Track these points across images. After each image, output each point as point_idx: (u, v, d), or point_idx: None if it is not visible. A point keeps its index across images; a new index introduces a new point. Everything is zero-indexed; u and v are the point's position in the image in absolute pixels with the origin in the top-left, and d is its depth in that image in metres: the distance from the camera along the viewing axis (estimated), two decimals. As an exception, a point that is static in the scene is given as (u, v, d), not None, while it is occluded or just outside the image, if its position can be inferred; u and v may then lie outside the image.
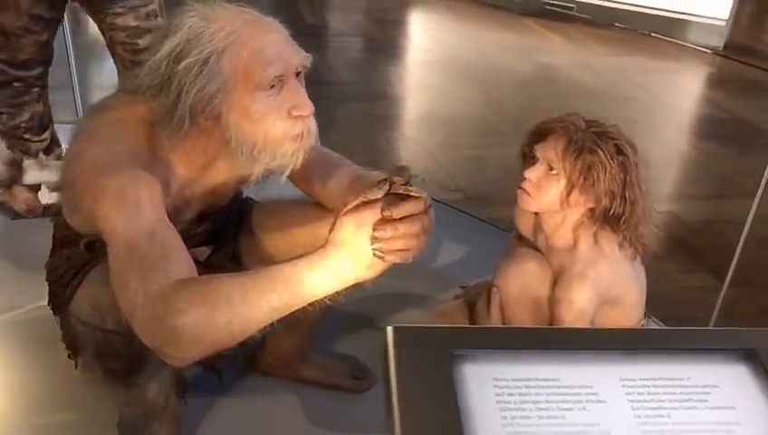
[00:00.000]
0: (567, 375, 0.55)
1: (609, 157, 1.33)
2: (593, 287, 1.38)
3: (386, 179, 1.03)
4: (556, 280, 1.44)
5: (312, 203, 1.42)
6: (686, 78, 5.18)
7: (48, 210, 2.04)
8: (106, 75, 3.96)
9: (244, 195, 1.50)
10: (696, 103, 4.69)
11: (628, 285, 1.44)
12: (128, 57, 1.98)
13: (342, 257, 0.99)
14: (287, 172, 1.18)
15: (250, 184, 1.36)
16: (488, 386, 0.54)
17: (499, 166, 3.23)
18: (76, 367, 1.28)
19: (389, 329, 0.58)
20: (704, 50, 5.34)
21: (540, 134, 1.40)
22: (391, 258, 1.01)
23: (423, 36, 5.65)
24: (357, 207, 1.01)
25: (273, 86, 1.09)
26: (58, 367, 1.45)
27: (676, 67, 5.24)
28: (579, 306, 1.38)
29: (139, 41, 1.96)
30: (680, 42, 5.49)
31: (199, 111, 1.08)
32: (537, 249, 1.51)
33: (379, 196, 1.01)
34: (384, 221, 0.99)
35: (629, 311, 1.47)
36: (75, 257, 1.26)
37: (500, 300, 1.48)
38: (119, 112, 1.15)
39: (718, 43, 5.37)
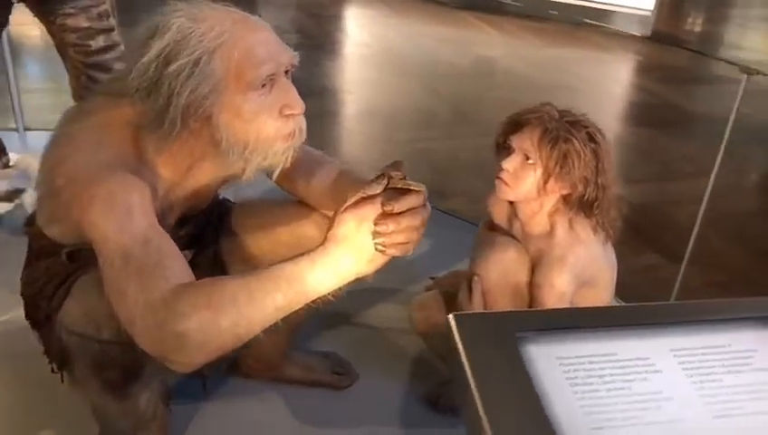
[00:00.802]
0: (623, 350, 0.59)
1: (582, 145, 1.38)
2: (572, 271, 1.43)
3: (384, 174, 1.04)
4: (534, 266, 1.48)
5: (294, 202, 1.41)
6: (617, 66, 5.39)
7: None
8: (46, 79, 3.82)
9: (221, 196, 1.48)
10: (629, 90, 4.89)
11: (602, 266, 1.49)
12: (80, 59, 1.92)
13: (344, 253, 1.00)
14: (277, 171, 1.18)
15: (231, 185, 1.35)
16: (554, 364, 0.56)
17: (446, 158, 3.28)
18: (62, 381, 1.24)
19: (451, 318, 0.60)
20: (633, 38, 5.57)
21: (514, 125, 1.43)
22: (393, 252, 1.03)
23: (360, 31, 5.66)
24: (357, 203, 1.02)
25: (264, 85, 1.08)
26: (37, 381, 1.41)
27: (608, 56, 5.45)
28: (560, 289, 1.43)
29: (92, 42, 1.90)
30: (610, 31, 5.70)
31: (191, 112, 1.06)
32: (512, 237, 1.55)
33: (378, 191, 1.02)
34: (385, 215, 1.01)
35: (603, 291, 1.53)
36: (56, 268, 1.21)
37: (481, 288, 1.51)
38: (102, 117, 1.12)
39: (645, 31, 5.61)
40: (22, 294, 1.29)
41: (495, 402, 0.51)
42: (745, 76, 1.71)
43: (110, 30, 1.93)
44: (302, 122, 1.14)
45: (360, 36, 5.43)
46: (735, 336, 0.60)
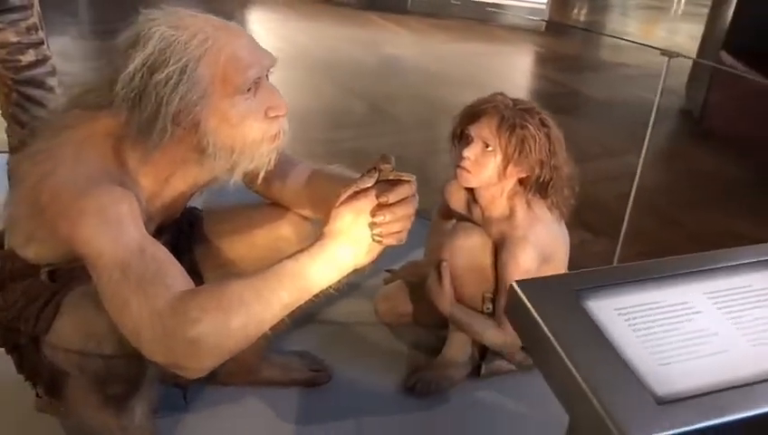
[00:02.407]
0: (665, 297, 0.67)
1: (537, 129, 1.47)
2: (534, 248, 1.52)
3: (374, 168, 1.09)
4: (497, 247, 1.56)
5: (267, 204, 1.43)
6: (519, 58, 5.63)
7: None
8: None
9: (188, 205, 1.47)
10: (533, 80, 5.12)
11: (559, 243, 1.60)
12: (9, 75, 1.83)
13: (342, 246, 1.04)
14: (262, 174, 1.19)
15: (202, 192, 1.35)
16: (613, 315, 0.64)
17: (369, 154, 3.34)
18: (51, 404, 1.20)
19: (515, 285, 0.65)
20: (531, 31, 5.84)
21: (472, 115, 1.51)
22: (390, 241, 1.07)
23: (269, 35, 5.62)
24: (351, 197, 1.05)
25: (249, 89, 1.10)
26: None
27: (510, 49, 5.69)
28: (525, 266, 1.52)
29: (21, 57, 1.83)
30: (509, 25, 5.95)
31: (180, 120, 1.06)
32: (472, 222, 1.63)
33: (371, 183, 1.06)
34: (381, 206, 1.05)
35: (559, 265, 1.64)
36: (36, 289, 1.18)
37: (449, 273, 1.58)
38: (81, 130, 1.10)
39: (540, 24, 5.91)
40: (-6, 320, 1.24)
41: (575, 352, 0.57)
42: (667, 59, 1.86)
43: (40, 43, 1.86)
44: (286, 123, 1.16)
45: (269, 40, 5.38)
46: (755, 277, 0.70)
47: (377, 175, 1.07)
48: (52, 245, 1.13)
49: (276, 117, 1.14)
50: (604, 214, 2.85)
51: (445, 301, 1.59)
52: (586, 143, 3.87)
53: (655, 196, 3.37)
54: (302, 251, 1.05)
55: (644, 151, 2.04)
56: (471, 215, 1.65)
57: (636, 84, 5.05)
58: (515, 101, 1.51)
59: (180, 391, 1.48)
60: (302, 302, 1.06)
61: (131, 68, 1.04)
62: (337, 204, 1.05)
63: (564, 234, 1.62)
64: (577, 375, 0.56)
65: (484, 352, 1.71)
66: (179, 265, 1.06)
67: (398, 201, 1.05)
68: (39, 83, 1.87)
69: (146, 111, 1.05)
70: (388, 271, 2.00)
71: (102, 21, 5.09)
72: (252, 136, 1.12)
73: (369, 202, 1.05)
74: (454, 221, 1.72)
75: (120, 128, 1.10)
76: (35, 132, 1.74)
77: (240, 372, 1.59)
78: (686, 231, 2.94)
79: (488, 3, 5.98)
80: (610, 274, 0.71)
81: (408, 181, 1.08)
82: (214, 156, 1.13)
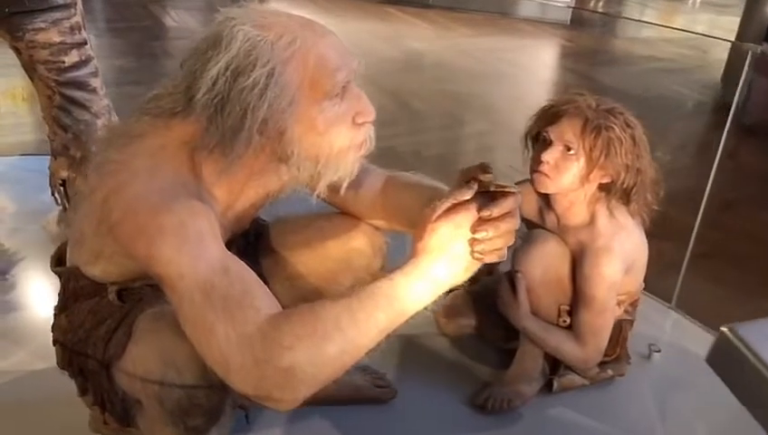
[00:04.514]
0: None
1: (622, 131, 1.38)
2: (619, 259, 1.43)
3: (473, 178, 1.00)
4: (576, 257, 1.47)
5: (338, 213, 1.34)
6: (546, 52, 5.53)
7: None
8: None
9: (253, 215, 1.39)
10: (562, 74, 5.02)
11: (641, 251, 1.51)
12: (52, 77, 1.75)
13: (438, 264, 0.96)
14: (345, 184, 1.10)
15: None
16: None
17: (409, 153, 3.25)
18: (107, 423, 1.13)
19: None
20: (555, 24, 5.72)
21: (552, 117, 1.42)
22: (491, 258, 0.98)
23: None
24: (449, 211, 0.97)
25: (337, 94, 1.01)
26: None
27: (536, 43, 5.58)
28: (610, 280, 1.43)
29: (65, 58, 1.74)
30: (532, 18, 5.84)
31: (267, 128, 0.97)
32: (546, 230, 1.53)
33: (470, 196, 0.97)
34: (482, 221, 0.96)
35: (639, 275, 1.55)
36: (103, 310, 1.09)
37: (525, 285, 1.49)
38: (155, 139, 1.01)
39: (566, 17, 5.79)
40: (56, 342, 1.16)
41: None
42: (749, 52, 1.75)
43: (84, 43, 1.77)
44: (372, 130, 1.07)
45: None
46: None
47: (476, 186, 0.98)
48: (123, 262, 1.05)
49: (364, 123, 1.05)
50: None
51: (519, 314, 1.50)
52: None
53: (697, 193, 3.28)
54: (396, 270, 0.96)
55: (718, 155, 1.93)
56: (543, 222, 1.55)
57: (667, 78, 4.94)
58: (598, 101, 1.41)
59: (242, 412, 1.39)
60: (398, 324, 0.97)
61: (214, 71, 0.95)
62: (433, 218, 0.96)
63: (644, 241, 1.53)
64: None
65: (555, 367, 1.62)
66: (264, 284, 0.97)
67: (502, 215, 0.96)
68: (82, 85, 1.78)
69: (230, 118, 0.96)
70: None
71: (117, 19, 5.01)
72: (339, 144, 1.03)
73: (469, 216, 0.96)
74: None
75: (196, 136, 1.01)
76: (80, 137, 1.65)
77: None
78: (737, 229, 2.84)
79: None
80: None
81: (513, 193, 0.99)
82: (297, 166, 1.04)
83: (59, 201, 1.91)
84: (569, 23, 5.81)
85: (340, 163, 1.05)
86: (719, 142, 1.95)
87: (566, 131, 1.39)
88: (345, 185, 1.10)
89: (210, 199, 1.05)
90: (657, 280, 2.12)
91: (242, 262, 0.98)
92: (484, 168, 1.04)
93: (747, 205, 3.12)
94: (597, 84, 4.59)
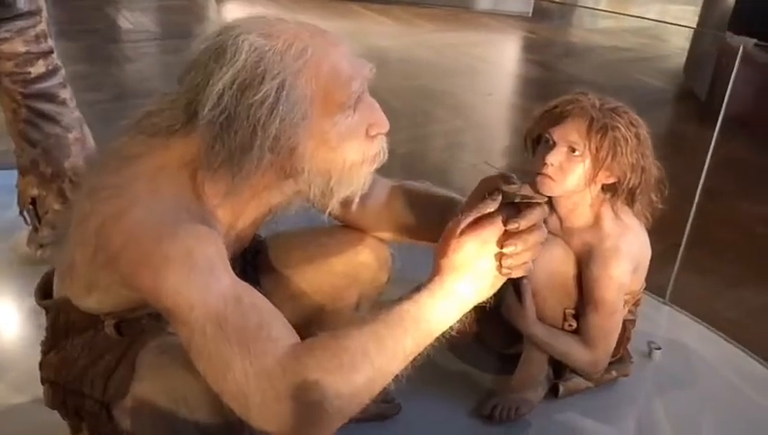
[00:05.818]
0: None
1: (627, 130, 1.35)
2: (627, 259, 1.40)
3: (497, 189, 0.95)
4: (581, 260, 1.44)
5: (340, 227, 1.28)
6: (511, 45, 5.52)
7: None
8: None
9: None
10: (529, 67, 5.01)
11: (646, 250, 1.48)
12: (18, 90, 1.64)
13: (464, 281, 0.91)
14: (357, 199, 1.04)
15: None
16: None
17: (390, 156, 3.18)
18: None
19: None
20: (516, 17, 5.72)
21: (554, 117, 1.37)
22: (519, 272, 0.94)
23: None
24: (473, 224, 0.91)
25: (350, 105, 0.94)
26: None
27: (500, 36, 5.57)
28: (619, 281, 1.40)
29: (31, 69, 1.63)
30: (494, 11, 5.83)
31: (278, 145, 0.90)
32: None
33: (495, 208, 0.92)
34: (509, 235, 0.91)
35: (642, 274, 1.52)
36: (99, 345, 1.01)
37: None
38: (152, 159, 0.93)
39: (527, 9, 5.80)
40: (46, 381, 1.07)
41: None
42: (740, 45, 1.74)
43: (50, 52, 1.66)
44: (384, 141, 1.01)
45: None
46: None
47: (500, 198, 0.93)
48: (122, 293, 0.96)
49: (377, 135, 0.99)
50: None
51: (526, 320, 1.46)
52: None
53: (673, 183, 3.30)
54: (419, 290, 0.91)
55: (711, 148, 1.92)
56: (546, 224, 1.51)
57: (629, 67, 4.98)
58: (601, 100, 1.38)
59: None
60: (425, 346, 0.93)
61: (219, 86, 0.87)
62: (457, 233, 0.91)
63: (648, 240, 1.50)
64: None
65: (559, 371, 1.59)
66: (280, 312, 0.91)
67: (529, 227, 0.92)
68: (51, 97, 1.67)
69: (238, 136, 0.88)
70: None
71: (68, 21, 4.83)
72: (352, 158, 0.97)
73: (495, 230, 0.91)
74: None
75: (199, 156, 0.93)
76: (51, 152, 1.56)
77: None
78: (716, 218, 2.86)
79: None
80: None
81: (539, 204, 0.94)
82: (308, 183, 0.97)
83: (28, 221, 1.80)
84: (530, 15, 5.82)
85: (353, 178, 0.99)
86: (692, 132, 1.95)
87: (570, 132, 1.35)
88: (357, 199, 1.04)
89: (214, 222, 0.98)
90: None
91: (254, 289, 0.91)
92: (507, 178, 1.00)
93: (728, 195, 3.14)
94: (563, 75, 4.59)
